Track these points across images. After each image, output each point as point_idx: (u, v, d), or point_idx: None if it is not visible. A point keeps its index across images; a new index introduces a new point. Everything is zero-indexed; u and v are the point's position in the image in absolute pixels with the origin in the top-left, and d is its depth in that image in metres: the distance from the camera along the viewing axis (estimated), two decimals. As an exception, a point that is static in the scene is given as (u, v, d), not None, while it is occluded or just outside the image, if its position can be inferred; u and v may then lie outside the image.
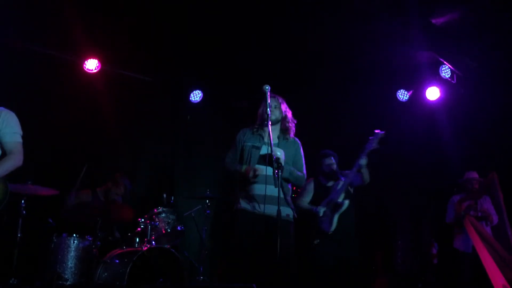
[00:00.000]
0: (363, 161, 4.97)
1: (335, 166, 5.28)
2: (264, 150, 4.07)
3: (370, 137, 4.99)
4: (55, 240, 4.85)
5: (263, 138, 4.17)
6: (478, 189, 5.67)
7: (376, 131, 4.97)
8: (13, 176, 3.55)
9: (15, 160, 3.53)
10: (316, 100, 6.89)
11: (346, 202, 5.01)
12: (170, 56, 6.31)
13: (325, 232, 4.98)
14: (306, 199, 5.27)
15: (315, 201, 5.21)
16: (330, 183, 5.27)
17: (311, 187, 5.32)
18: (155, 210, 5.38)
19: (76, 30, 5.44)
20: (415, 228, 6.81)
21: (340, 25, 5.55)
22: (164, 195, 6.15)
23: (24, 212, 4.62)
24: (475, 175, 5.84)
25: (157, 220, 5.29)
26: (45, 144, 5.45)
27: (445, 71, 6.16)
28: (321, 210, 5.05)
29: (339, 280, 5.03)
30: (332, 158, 5.31)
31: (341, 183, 5.11)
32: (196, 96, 7.00)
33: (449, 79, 6.20)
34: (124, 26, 5.58)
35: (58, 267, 4.73)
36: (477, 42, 5.62)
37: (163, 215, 5.36)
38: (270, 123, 3.94)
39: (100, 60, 6.10)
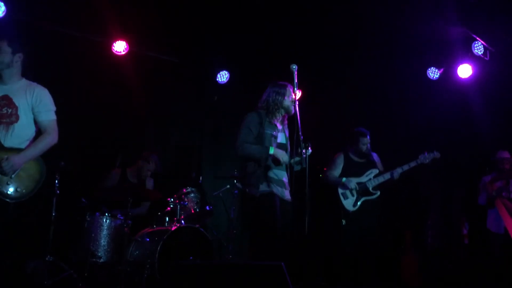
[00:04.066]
0: (397, 174, 5.30)
1: (369, 145, 5.45)
2: (280, 139, 4.19)
3: (427, 152, 5.33)
4: (88, 219, 4.98)
5: (276, 126, 4.19)
6: (510, 169, 5.57)
7: (436, 152, 5.35)
8: (46, 156, 3.62)
9: (50, 139, 3.56)
10: (345, 78, 6.81)
11: (378, 192, 5.33)
12: (197, 37, 6.31)
13: (346, 210, 5.16)
14: (335, 173, 5.43)
15: (343, 175, 5.41)
16: (361, 160, 5.46)
17: (340, 160, 5.48)
18: (184, 190, 5.45)
19: (105, 12, 5.48)
20: (445, 207, 6.72)
21: (370, 0, 5.43)
22: (193, 175, 6.24)
23: (58, 191, 4.74)
24: (506, 155, 5.73)
25: (186, 199, 5.37)
26: (73, 126, 5.55)
27: (478, 48, 5.97)
28: (352, 183, 5.25)
29: (364, 261, 5.16)
30: (368, 137, 5.47)
31: (374, 172, 5.38)
32: (223, 76, 7.00)
33: (482, 56, 6.01)
34: (152, 7, 5.59)
35: (92, 245, 4.87)
36: (511, 17, 5.42)
37: (192, 195, 5.44)
38: (297, 103, 3.94)
39: (128, 42, 6.15)
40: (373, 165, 5.46)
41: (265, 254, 3.92)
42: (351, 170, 5.39)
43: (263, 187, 4.02)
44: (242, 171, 4.16)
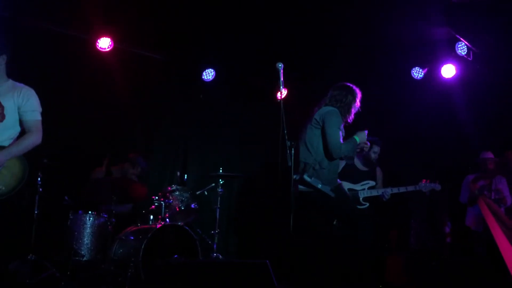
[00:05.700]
0: (387, 194, 5.18)
1: (377, 156, 5.41)
2: None
3: (429, 181, 5.16)
4: (71, 217, 4.94)
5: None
6: (494, 169, 5.64)
7: (437, 184, 5.16)
8: (28, 153, 3.59)
9: (34, 139, 3.55)
10: (329, 77, 6.82)
11: (367, 204, 5.23)
12: (183, 34, 6.28)
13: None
14: None
15: (340, 177, 5.30)
16: (364, 169, 5.34)
17: (341, 162, 5.37)
18: (169, 188, 5.44)
19: (89, 8, 5.43)
20: (429, 206, 6.80)
21: (355, 0, 5.46)
22: (178, 174, 6.22)
23: (40, 189, 4.69)
24: (490, 155, 5.81)
25: (171, 198, 5.35)
26: (56, 123, 5.50)
27: (461, 48, 6.05)
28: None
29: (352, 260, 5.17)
30: (379, 148, 5.42)
31: (371, 184, 5.30)
32: (208, 74, 6.98)
33: (465, 56, 6.08)
34: (136, 4, 5.55)
35: (75, 244, 4.83)
36: (494, 18, 5.49)
37: (177, 193, 5.42)
38: (283, 101, 3.92)
39: (113, 39, 6.09)
40: (373, 177, 5.40)
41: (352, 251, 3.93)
42: (349, 174, 5.29)
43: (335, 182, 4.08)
44: (311, 163, 4.03)
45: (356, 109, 4.23)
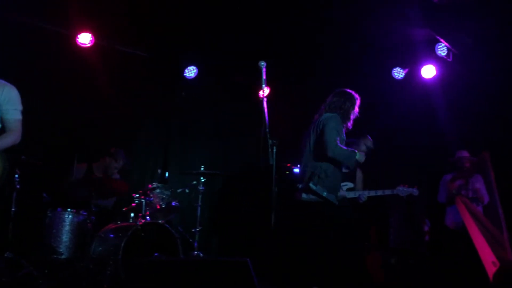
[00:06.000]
0: (364, 197, 5.04)
1: None
2: None
3: (407, 186, 5.02)
4: (49, 214, 4.87)
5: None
6: (470, 168, 5.72)
7: (415, 189, 5.02)
8: (7, 150, 3.54)
9: (13, 138, 3.54)
10: (311, 76, 6.86)
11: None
12: (165, 31, 6.23)
13: None
14: None
15: None
16: (344, 170, 5.35)
17: None
18: (150, 185, 5.41)
19: (69, 2, 5.35)
20: (408, 205, 6.87)
21: (335, 0, 5.49)
22: (159, 171, 6.18)
23: (18, 186, 4.62)
24: (465, 154, 5.89)
25: (151, 195, 5.31)
26: (34, 119, 5.40)
27: (441, 49, 6.13)
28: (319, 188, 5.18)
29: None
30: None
31: (349, 186, 5.22)
32: (190, 72, 6.95)
33: (445, 57, 6.17)
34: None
35: (53, 241, 4.76)
36: (474, 20, 5.57)
37: (158, 190, 5.39)
38: (265, 100, 3.91)
39: (93, 34, 6.01)
40: (352, 178, 5.35)
41: (351, 257, 3.98)
42: None
43: (341, 192, 4.23)
44: (316, 172, 4.13)
45: (355, 115, 4.33)
